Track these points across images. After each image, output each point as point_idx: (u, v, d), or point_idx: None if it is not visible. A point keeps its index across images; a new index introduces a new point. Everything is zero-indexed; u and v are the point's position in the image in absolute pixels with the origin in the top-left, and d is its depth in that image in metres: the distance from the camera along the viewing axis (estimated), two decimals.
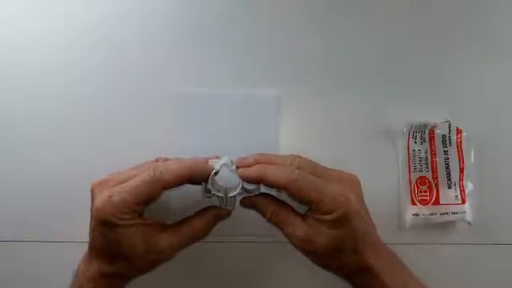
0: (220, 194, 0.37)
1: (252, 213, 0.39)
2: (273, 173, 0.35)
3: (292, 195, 0.35)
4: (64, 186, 0.44)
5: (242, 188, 0.37)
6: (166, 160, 0.39)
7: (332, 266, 0.36)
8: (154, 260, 0.36)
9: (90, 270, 0.35)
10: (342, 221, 0.34)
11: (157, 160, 0.39)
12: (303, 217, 0.36)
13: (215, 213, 0.38)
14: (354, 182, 0.37)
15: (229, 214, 0.39)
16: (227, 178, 0.37)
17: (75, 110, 0.45)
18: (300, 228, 0.35)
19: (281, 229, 0.37)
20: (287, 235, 0.36)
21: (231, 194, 0.37)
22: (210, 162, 0.38)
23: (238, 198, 0.39)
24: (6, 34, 0.46)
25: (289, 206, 0.37)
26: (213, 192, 0.37)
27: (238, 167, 0.37)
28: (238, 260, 0.45)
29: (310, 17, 0.46)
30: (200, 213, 0.38)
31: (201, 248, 0.45)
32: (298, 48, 0.46)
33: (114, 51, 0.46)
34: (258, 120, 0.45)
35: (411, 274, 0.37)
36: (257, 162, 0.37)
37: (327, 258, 0.36)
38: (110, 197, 0.34)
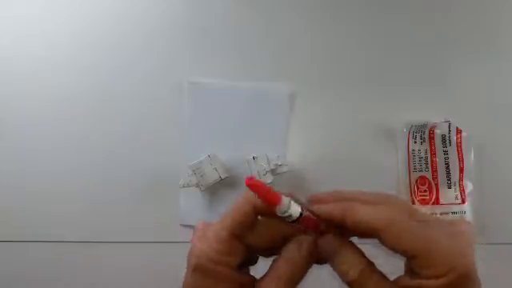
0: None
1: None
2: (363, 211, 0.25)
3: (387, 243, 0.25)
4: (64, 186, 0.44)
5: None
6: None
7: None
8: None
9: None
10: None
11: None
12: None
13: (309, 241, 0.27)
14: (468, 238, 0.26)
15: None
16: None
17: (79, 106, 0.45)
18: None
19: None
20: None
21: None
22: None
23: None
24: (6, 33, 0.46)
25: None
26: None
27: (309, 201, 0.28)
28: None
29: (310, 17, 0.46)
30: (293, 244, 0.27)
31: None
32: (298, 48, 0.46)
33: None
34: (270, 114, 0.46)
35: None
36: (335, 199, 0.28)
37: None
38: (204, 235, 0.27)
